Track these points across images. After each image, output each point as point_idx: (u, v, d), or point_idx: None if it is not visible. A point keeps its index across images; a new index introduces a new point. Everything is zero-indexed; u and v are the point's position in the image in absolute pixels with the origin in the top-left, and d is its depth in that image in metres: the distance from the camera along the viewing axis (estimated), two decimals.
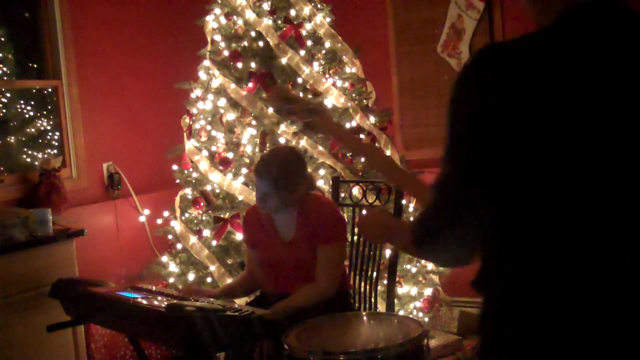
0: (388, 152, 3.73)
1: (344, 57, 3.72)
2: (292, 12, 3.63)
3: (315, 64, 3.61)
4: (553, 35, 1.12)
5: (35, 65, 4.07)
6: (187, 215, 3.64)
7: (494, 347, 1.16)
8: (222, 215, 3.45)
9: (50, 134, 4.04)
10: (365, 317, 2.40)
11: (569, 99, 1.06)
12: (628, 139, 1.08)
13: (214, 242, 3.45)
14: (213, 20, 3.72)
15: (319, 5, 3.72)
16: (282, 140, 3.44)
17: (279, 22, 3.61)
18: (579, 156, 1.06)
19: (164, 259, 3.67)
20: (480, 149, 1.10)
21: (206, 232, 3.49)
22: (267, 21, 3.58)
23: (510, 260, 1.13)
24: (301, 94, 3.55)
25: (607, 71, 1.08)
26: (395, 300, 3.05)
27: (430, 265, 3.72)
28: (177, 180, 3.77)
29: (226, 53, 3.62)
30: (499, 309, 1.16)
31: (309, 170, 3.35)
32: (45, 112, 4.07)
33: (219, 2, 3.71)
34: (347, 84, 3.66)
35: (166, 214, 3.80)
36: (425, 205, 1.20)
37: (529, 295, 1.11)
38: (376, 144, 3.67)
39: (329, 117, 1.93)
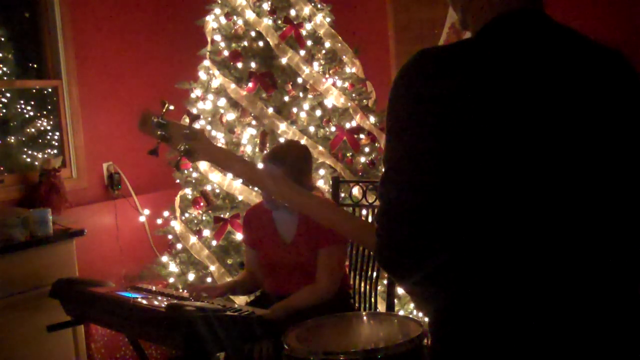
0: None
1: (344, 57, 3.72)
2: (292, 12, 3.63)
3: (315, 64, 3.61)
4: (477, 44, 1.15)
5: (35, 65, 4.07)
6: (187, 215, 3.64)
7: (444, 351, 1.15)
8: (222, 215, 3.45)
9: (50, 134, 4.04)
10: (365, 317, 2.40)
11: (490, 107, 1.08)
12: (548, 143, 1.09)
13: (214, 242, 3.45)
14: (213, 20, 3.72)
15: (319, 5, 3.72)
16: (282, 141, 3.44)
17: (279, 22, 3.61)
18: (500, 161, 1.07)
19: (164, 259, 3.67)
20: (414, 156, 1.11)
21: (206, 232, 3.49)
22: (267, 21, 3.58)
23: (460, 266, 1.12)
24: (301, 94, 3.55)
25: (525, 78, 1.10)
26: (395, 300, 3.05)
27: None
28: (177, 180, 3.77)
29: (226, 53, 3.62)
30: (447, 315, 1.14)
31: None
32: (45, 112, 4.07)
33: (219, 2, 3.71)
34: (347, 84, 3.66)
35: (166, 214, 3.80)
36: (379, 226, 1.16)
37: (476, 300, 1.10)
38: (376, 144, 3.67)
39: (208, 141, 1.79)
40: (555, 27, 1.18)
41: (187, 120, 3.74)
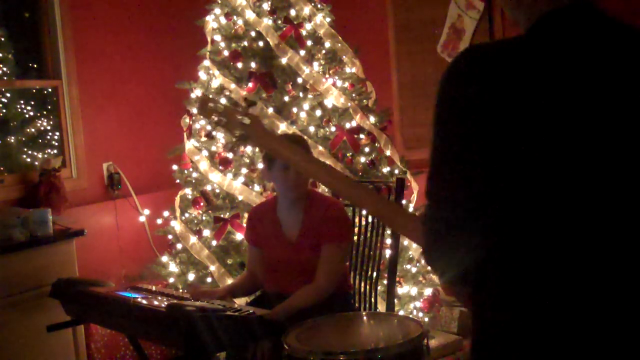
0: (388, 152, 3.73)
1: (344, 57, 3.72)
2: (292, 12, 3.63)
3: (315, 64, 3.61)
4: (529, 41, 1.12)
5: (35, 65, 4.07)
6: (187, 215, 3.64)
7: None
8: (222, 215, 3.45)
9: (50, 134, 4.04)
10: (365, 317, 2.40)
11: (545, 105, 1.06)
12: (603, 142, 1.07)
13: (214, 242, 3.45)
14: (213, 20, 3.72)
15: (319, 5, 3.72)
16: None
17: (279, 22, 3.61)
18: (556, 160, 1.05)
19: (164, 259, 3.67)
20: (465, 153, 1.09)
21: (206, 232, 3.49)
22: (267, 21, 3.58)
23: (507, 272, 1.11)
24: (301, 94, 3.55)
25: (581, 75, 1.08)
26: (395, 300, 3.05)
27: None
28: (177, 180, 3.77)
29: (226, 53, 3.62)
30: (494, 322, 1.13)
31: None
32: (45, 112, 4.07)
33: (219, 2, 3.71)
34: (347, 84, 3.66)
35: (166, 214, 3.80)
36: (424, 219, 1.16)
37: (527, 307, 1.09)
38: (376, 144, 3.67)
39: (263, 128, 1.79)
40: (608, 22, 1.14)
41: (188, 119, 3.75)
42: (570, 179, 1.06)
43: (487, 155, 1.06)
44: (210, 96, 1.91)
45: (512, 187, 1.06)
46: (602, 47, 1.11)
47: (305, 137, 3.44)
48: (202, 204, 3.56)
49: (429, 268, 3.70)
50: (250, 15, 3.60)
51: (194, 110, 3.69)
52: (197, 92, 3.70)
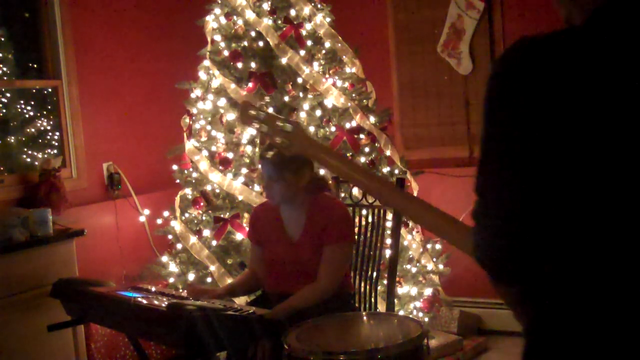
0: (388, 152, 3.74)
1: (344, 57, 3.72)
2: (292, 12, 3.63)
3: (315, 64, 3.61)
4: (590, 31, 1.06)
5: (35, 65, 4.07)
6: (187, 215, 3.64)
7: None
8: (222, 215, 3.45)
9: (50, 134, 4.04)
10: (365, 317, 2.40)
11: (610, 98, 1.00)
12: None
13: (214, 242, 3.45)
14: (213, 20, 3.72)
15: (319, 5, 3.72)
16: None
17: (279, 22, 3.61)
18: (619, 158, 1.00)
19: (164, 259, 3.67)
20: (530, 149, 1.03)
21: (206, 232, 3.49)
22: (267, 21, 3.58)
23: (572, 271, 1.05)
24: (301, 94, 3.55)
25: None
26: (395, 300, 3.05)
27: (430, 266, 3.72)
28: (177, 180, 3.77)
29: (226, 53, 3.63)
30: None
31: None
32: (45, 112, 4.07)
33: (219, 2, 3.71)
34: (347, 84, 3.66)
35: (166, 214, 3.80)
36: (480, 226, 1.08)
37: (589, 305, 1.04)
38: (376, 144, 3.67)
39: (304, 135, 1.76)
40: None
41: (188, 119, 3.75)
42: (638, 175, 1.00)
43: (548, 148, 1.01)
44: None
45: (576, 182, 1.01)
46: None
47: None
48: (202, 204, 3.56)
49: (429, 267, 3.70)
50: (250, 15, 3.60)
51: (194, 110, 3.69)
52: (197, 92, 3.71)
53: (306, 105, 3.52)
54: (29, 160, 3.97)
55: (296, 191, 2.59)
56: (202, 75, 3.72)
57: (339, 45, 3.71)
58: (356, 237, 2.88)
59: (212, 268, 3.42)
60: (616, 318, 1.02)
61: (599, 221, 1.02)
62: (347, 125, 3.57)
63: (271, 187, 2.59)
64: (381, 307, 2.99)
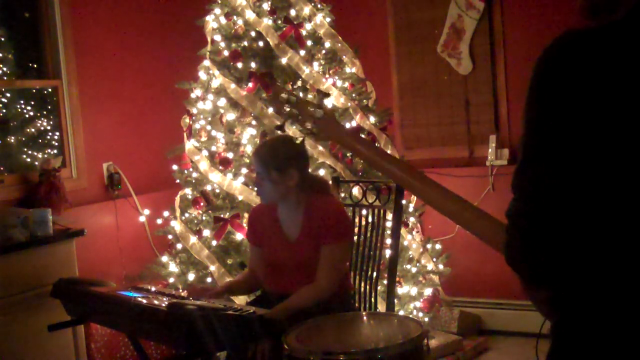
0: (388, 152, 3.73)
1: (344, 57, 3.72)
2: (292, 12, 3.63)
3: (315, 64, 3.61)
4: (632, 25, 1.02)
5: (35, 65, 4.07)
6: (187, 215, 3.64)
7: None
8: (222, 215, 3.45)
9: (50, 134, 4.04)
10: (365, 317, 2.40)
11: None
12: None
13: (214, 242, 3.45)
14: (213, 20, 3.72)
15: (319, 5, 3.72)
16: None
17: (279, 22, 3.61)
18: None
19: (164, 259, 3.67)
20: (583, 142, 0.99)
21: (206, 232, 3.49)
22: (267, 21, 3.58)
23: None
24: (301, 94, 3.55)
25: None
26: (395, 300, 3.05)
27: (430, 265, 3.72)
28: (177, 180, 3.77)
29: (226, 53, 3.63)
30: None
31: (310, 171, 3.35)
32: (45, 112, 4.07)
33: (219, 2, 3.71)
34: (347, 84, 3.66)
35: (166, 214, 3.80)
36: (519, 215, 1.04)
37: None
38: (376, 144, 3.67)
39: (336, 122, 1.74)
40: None
41: (188, 119, 3.75)
42: None
43: (591, 147, 0.98)
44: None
45: (619, 182, 0.99)
46: None
47: (306, 137, 3.45)
48: (202, 204, 3.56)
49: (429, 267, 3.70)
50: (250, 15, 3.60)
51: (194, 110, 3.69)
52: (197, 92, 3.71)
53: None
54: (29, 160, 3.97)
55: (286, 190, 2.58)
56: (202, 75, 3.72)
57: (339, 45, 3.71)
58: (356, 237, 2.88)
59: (212, 268, 3.42)
60: None
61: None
62: (347, 125, 3.57)
63: (260, 185, 2.60)
64: (381, 307, 2.99)
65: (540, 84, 1.03)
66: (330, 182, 3.18)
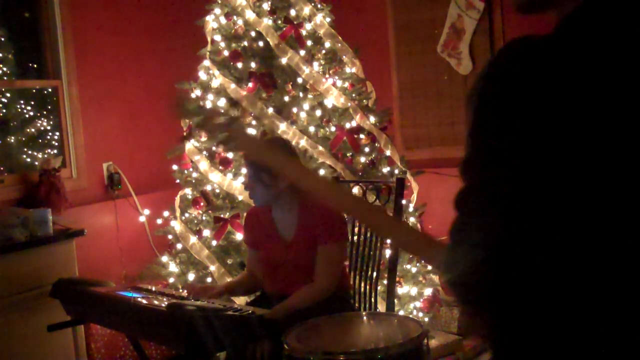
0: (388, 152, 3.73)
1: (344, 57, 3.72)
2: (292, 12, 3.63)
3: (315, 64, 3.61)
4: (570, 31, 0.99)
5: (35, 65, 4.07)
6: (187, 215, 3.64)
7: None
8: (222, 215, 3.45)
9: (50, 134, 4.04)
10: (365, 317, 2.40)
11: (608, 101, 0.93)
12: None
13: (214, 242, 3.45)
14: (213, 20, 3.72)
15: (319, 5, 3.72)
16: None
17: (279, 22, 3.61)
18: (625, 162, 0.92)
19: (164, 259, 3.67)
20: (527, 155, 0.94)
21: (206, 232, 3.49)
22: (267, 21, 3.58)
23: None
24: (301, 94, 3.55)
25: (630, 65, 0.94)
26: (395, 300, 3.05)
27: (430, 265, 3.72)
28: (177, 180, 3.77)
29: (226, 53, 3.63)
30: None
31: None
32: (45, 112, 4.07)
33: (219, 2, 3.71)
34: (347, 84, 3.66)
35: (166, 214, 3.80)
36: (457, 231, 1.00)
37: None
38: (376, 144, 3.68)
39: (245, 130, 1.72)
40: None
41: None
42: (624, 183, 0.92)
43: (536, 157, 0.93)
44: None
45: (573, 206, 0.94)
46: None
47: (305, 137, 3.45)
48: (202, 204, 3.56)
49: (429, 268, 3.70)
50: (250, 15, 3.60)
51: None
52: (197, 92, 3.71)
53: (306, 105, 3.52)
54: (29, 160, 3.97)
55: (278, 192, 2.57)
56: (202, 75, 3.72)
57: (339, 45, 3.71)
58: (356, 237, 2.88)
59: (212, 268, 3.42)
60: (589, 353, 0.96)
61: (590, 252, 0.94)
62: (347, 125, 3.57)
63: (252, 188, 2.59)
64: (381, 307, 2.99)
65: (483, 99, 0.98)
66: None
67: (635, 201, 0.92)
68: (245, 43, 3.63)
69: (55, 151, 4.02)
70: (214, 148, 3.59)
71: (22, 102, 4.01)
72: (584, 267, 0.94)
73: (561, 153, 0.92)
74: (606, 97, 0.92)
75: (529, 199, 0.94)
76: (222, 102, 3.56)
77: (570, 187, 0.93)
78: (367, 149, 3.61)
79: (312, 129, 3.52)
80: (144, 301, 2.28)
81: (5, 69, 3.93)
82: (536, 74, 0.94)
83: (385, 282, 2.94)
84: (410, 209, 3.72)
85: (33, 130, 4.02)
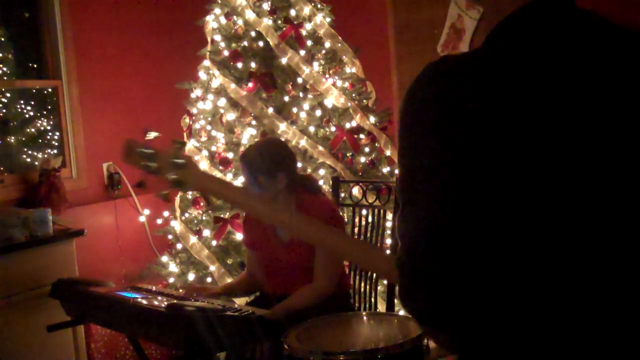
0: (388, 152, 3.73)
1: (344, 57, 3.72)
2: (292, 12, 3.63)
3: (315, 64, 3.61)
4: (497, 45, 1.00)
5: (35, 65, 4.07)
6: (187, 215, 3.64)
7: None
8: (222, 215, 3.45)
9: (50, 134, 4.04)
10: (365, 317, 2.40)
11: (531, 116, 0.93)
12: (598, 148, 0.94)
13: (214, 242, 3.45)
14: (213, 20, 3.72)
15: (319, 5, 3.72)
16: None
17: (279, 22, 3.61)
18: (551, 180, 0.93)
19: (164, 259, 3.67)
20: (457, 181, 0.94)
21: (206, 232, 3.49)
22: (267, 21, 3.58)
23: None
24: (301, 94, 3.55)
25: (563, 78, 0.95)
26: (395, 300, 3.05)
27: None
28: None
29: (226, 53, 3.63)
30: None
31: (310, 171, 3.35)
32: (45, 112, 4.07)
33: (219, 2, 3.71)
34: (347, 84, 3.66)
35: (166, 214, 3.80)
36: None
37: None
38: (376, 144, 3.67)
39: (198, 170, 1.68)
40: (587, 17, 1.01)
41: (188, 119, 3.75)
42: (572, 200, 0.93)
43: (473, 177, 0.93)
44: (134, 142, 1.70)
45: (509, 220, 0.94)
46: (585, 45, 0.98)
47: (305, 137, 3.45)
48: (202, 204, 3.56)
49: None
50: (250, 15, 3.60)
51: (194, 110, 3.69)
52: (197, 92, 3.71)
53: (306, 105, 3.52)
54: (29, 160, 3.97)
55: (275, 194, 2.57)
56: (202, 75, 3.72)
57: (339, 45, 3.71)
58: (356, 237, 2.88)
59: (212, 268, 3.42)
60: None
61: (533, 267, 0.95)
62: (347, 125, 3.57)
63: (250, 190, 2.59)
64: (381, 307, 2.99)
65: (409, 119, 0.98)
66: (331, 182, 3.18)
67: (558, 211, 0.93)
68: (245, 43, 3.63)
69: (55, 151, 4.02)
70: (213, 148, 3.59)
71: (22, 102, 4.01)
72: (519, 271, 0.95)
73: (487, 167, 0.93)
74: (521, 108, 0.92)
75: (458, 217, 0.94)
76: (222, 102, 3.56)
77: (495, 202, 0.93)
78: (367, 149, 3.61)
79: (312, 129, 3.52)
80: (144, 301, 2.27)
81: (5, 69, 3.92)
82: (449, 89, 0.95)
83: (385, 282, 2.95)
84: None
85: (33, 130, 4.02)
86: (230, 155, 3.52)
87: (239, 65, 3.58)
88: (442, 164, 0.94)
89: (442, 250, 0.95)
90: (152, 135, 1.74)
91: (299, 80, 3.54)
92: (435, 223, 0.95)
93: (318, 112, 3.53)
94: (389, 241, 2.96)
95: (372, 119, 3.68)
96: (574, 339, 0.95)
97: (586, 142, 0.93)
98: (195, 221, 3.60)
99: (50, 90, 4.03)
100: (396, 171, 3.71)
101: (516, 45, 0.97)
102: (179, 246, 3.61)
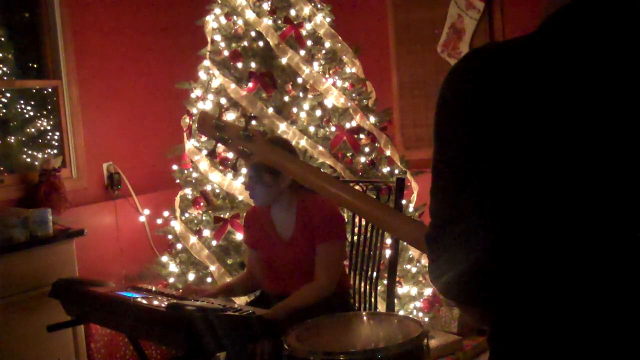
0: (388, 152, 3.73)
1: (344, 57, 3.72)
2: (292, 12, 3.63)
3: (315, 64, 3.61)
4: (543, 38, 0.99)
5: (35, 65, 4.07)
6: (187, 215, 3.64)
7: None
8: (222, 215, 3.45)
9: (50, 134, 4.04)
10: (365, 317, 2.40)
11: (563, 109, 0.93)
12: (629, 147, 0.93)
13: (214, 242, 3.45)
14: (213, 20, 3.72)
15: (319, 5, 3.72)
16: None
17: (279, 22, 3.61)
18: (591, 166, 0.93)
19: (164, 259, 3.67)
20: (491, 160, 0.96)
21: (206, 232, 3.49)
22: (267, 21, 3.58)
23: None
24: (301, 94, 3.55)
25: (610, 73, 0.94)
26: (395, 300, 3.05)
27: None
28: (177, 180, 3.77)
29: (226, 53, 3.63)
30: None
31: None
32: (45, 112, 4.07)
33: (219, 2, 3.71)
34: (347, 84, 3.66)
35: (166, 214, 3.80)
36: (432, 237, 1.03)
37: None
38: (376, 144, 3.68)
39: (265, 143, 1.73)
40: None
41: (188, 119, 3.75)
42: (595, 188, 0.93)
43: (502, 165, 0.95)
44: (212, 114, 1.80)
45: (532, 200, 0.95)
46: (633, 39, 0.95)
47: (305, 137, 3.45)
48: (202, 204, 3.56)
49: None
50: (250, 15, 3.60)
51: (194, 110, 3.69)
52: (197, 92, 3.71)
53: (306, 105, 3.52)
54: (29, 160, 3.97)
55: (278, 193, 2.58)
56: (202, 75, 3.72)
57: (339, 45, 3.71)
58: (356, 237, 2.88)
59: (212, 268, 3.42)
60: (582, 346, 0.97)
61: (560, 235, 0.95)
62: (347, 125, 3.57)
63: (253, 189, 2.59)
64: (381, 307, 2.99)
65: (448, 103, 1.01)
66: None
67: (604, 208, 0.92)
68: (245, 43, 3.63)
69: (55, 151, 4.02)
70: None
71: (22, 102, 4.01)
72: (567, 259, 0.96)
73: (530, 152, 0.93)
74: (565, 100, 0.93)
75: (503, 199, 0.96)
76: (222, 102, 3.56)
77: (541, 187, 0.94)
78: (367, 149, 3.61)
79: (312, 129, 3.52)
80: (144, 301, 2.27)
81: (5, 69, 3.93)
82: (493, 77, 0.96)
83: (385, 282, 2.94)
84: (410, 209, 3.71)
85: (33, 130, 4.02)
86: (230, 155, 3.52)
87: (239, 65, 3.58)
88: (477, 144, 0.96)
89: (468, 227, 0.98)
90: (227, 114, 1.85)
91: (299, 80, 3.54)
92: (462, 200, 0.97)
93: (318, 112, 3.53)
94: (389, 241, 2.96)
95: (372, 119, 3.68)
96: (598, 319, 0.96)
97: None
98: (195, 221, 3.60)
99: (50, 90, 4.03)
100: (396, 171, 3.72)
101: (574, 36, 0.96)
102: (179, 246, 3.62)
